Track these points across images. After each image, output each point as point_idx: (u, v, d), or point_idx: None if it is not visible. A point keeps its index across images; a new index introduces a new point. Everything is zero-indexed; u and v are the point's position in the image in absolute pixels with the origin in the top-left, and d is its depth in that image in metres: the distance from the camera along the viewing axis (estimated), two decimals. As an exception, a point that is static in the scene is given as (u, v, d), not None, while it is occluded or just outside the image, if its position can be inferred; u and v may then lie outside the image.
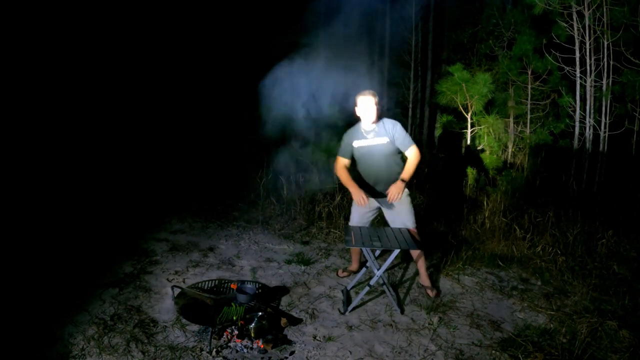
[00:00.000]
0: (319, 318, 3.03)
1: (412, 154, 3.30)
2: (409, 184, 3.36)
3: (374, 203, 3.48)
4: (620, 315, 3.04)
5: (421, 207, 5.34)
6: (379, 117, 3.36)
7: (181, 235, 4.66)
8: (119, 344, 2.61)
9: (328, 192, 5.61)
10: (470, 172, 5.23)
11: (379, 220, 4.11)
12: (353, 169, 3.50)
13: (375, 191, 3.41)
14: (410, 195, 3.49)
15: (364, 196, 3.24)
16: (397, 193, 3.16)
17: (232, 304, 2.88)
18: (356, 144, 3.37)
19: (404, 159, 3.41)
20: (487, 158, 5.27)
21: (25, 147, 5.63)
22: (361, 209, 3.51)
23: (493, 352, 2.65)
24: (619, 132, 5.01)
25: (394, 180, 3.30)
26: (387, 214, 3.49)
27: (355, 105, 3.37)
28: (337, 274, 3.73)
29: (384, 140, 3.31)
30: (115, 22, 7.23)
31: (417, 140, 9.26)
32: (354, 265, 3.78)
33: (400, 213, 3.42)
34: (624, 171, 5.15)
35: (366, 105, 3.27)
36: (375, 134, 3.34)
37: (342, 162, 3.45)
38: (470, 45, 6.98)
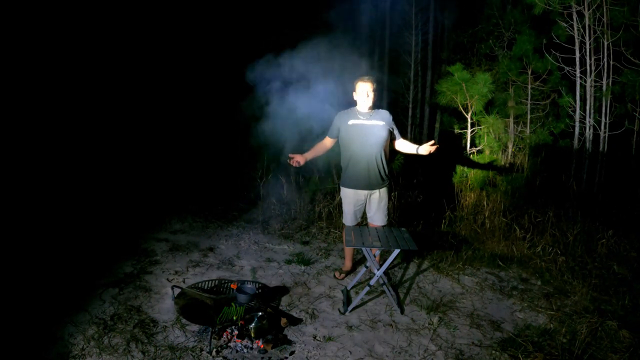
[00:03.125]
0: (319, 318, 3.03)
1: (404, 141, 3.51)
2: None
3: (362, 195, 3.50)
4: (620, 315, 3.04)
5: (419, 206, 5.34)
6: (374, 105, 3.43)
7: (181, 235, 4.66)
8: (119, 344, 2.61)
9: (328, 192, 5.61)
10: (470, 171, 5.22)
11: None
12: (341, 166, 3.56)
13: (365, 180, 3.42)
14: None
15: (299, 160, 3.36)
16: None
17: (232, 304, 2.88)
18: (351, 122, 3.40)
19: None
20: (487, 158, 5.26)
21: (25, 147, 5.63)
22: (353, 204, 3.53)
23: (493, 352, 2.66)
24: (619, 132, 5.00)
25: (384, 171, 3.42)
26: (369, 209, 3.56)
27: (353, 89, 3.44)
28: (335, 277, 3.73)
29: (380, 122, 3.38)
30: (115, 23, 7.23)
31: (417, 140, 9.28)
32: (347, 264, 3.79)
33: (380, 209, 3.52)
34: (624, 171, 5.15)
35: (365, 90, 3.33)
36: (371, 117, 3.41)
37: (326, 140, 3.54)
38: (470, 45, 6.96)
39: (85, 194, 5.57)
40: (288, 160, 3.38)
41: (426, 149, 3.28)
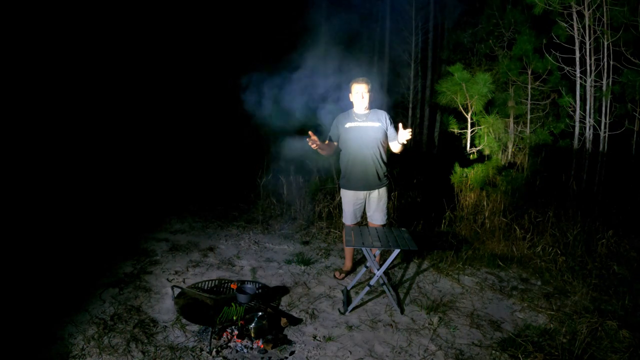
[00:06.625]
0: (319, 318, 3.03)
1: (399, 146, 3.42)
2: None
3: (361, 195, 3.52)
4: (620, 315, 3.04)
5: (419, 206, 5.33)
6: (371, 105, 3.43)
7: (181, 235, 4.66)
8: (119, 344, 2.61)
9: (328, 192, 5.61)
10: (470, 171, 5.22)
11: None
12: (339, 163, 3.56)
13: (362, 181, 3.44)
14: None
15: (316, 140, 3.16)
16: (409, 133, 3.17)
17: (232, 304, 2.88)
18: (348, 125, 3.41)
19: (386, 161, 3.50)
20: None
21: (25, 147, 5.63)
22: (353, 203, 3.54)
23: (493, 352, 2.65)
24: (619, 132, 5.01)
25: (382, 172, 3.42)
26: (369, 208, 3.58)
27: (349, 91, 3.44)
28: (335, 276, 3.73)
29: (376, 124, 3.38)
30: (115, 23, 7.23)
31: (417, 140, 9.28)
32: (347, 265, 3.79)
33: (379, 209, 3.53)
34: (624, 171, 5.15)
35: (360, 92, 3.34)
36: (367, 118, 3.41)
37: (333, 143, 3.51)
38: (470, 45, 6.97)
39: (86, 194, 5.58)
40: (307, 139, 3.17)
41: (404, 135, 3.17)
